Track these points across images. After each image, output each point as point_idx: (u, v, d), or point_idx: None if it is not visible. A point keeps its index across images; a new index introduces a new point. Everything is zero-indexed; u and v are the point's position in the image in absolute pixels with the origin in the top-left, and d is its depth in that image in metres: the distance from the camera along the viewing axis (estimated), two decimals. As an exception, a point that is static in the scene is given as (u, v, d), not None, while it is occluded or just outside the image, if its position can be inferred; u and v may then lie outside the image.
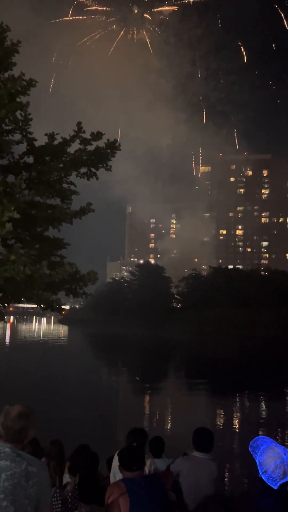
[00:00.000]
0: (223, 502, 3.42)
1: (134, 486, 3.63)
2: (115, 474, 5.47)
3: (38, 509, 2.82)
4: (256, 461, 3.13)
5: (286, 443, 15.47)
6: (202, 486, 4.86)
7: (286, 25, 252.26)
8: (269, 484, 2.98)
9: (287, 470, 3.01)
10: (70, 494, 4.03)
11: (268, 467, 3.03)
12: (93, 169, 8.66)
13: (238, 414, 21.63)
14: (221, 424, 18.91)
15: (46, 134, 8.47)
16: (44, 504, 2.87)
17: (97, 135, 8.43)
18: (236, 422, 19.81)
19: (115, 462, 5.30)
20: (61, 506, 3.90)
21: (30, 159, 8.52)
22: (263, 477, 3.01)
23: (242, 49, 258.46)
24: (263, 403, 24.39)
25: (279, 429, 18.09)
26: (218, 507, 3.18)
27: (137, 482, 3.67)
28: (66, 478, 5.42)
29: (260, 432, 17.30)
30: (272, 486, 2.98)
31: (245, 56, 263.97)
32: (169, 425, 18.72)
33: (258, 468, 3.06)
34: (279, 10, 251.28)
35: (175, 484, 5.25)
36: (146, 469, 5.21)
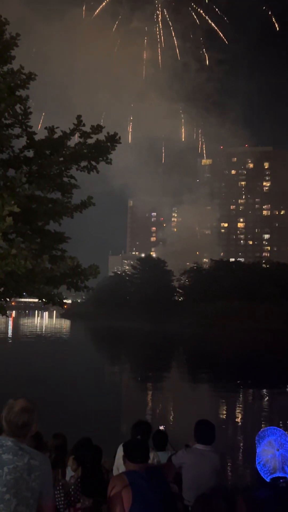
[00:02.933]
0: (225, 495, 3.43)
1: (137, 479, 3.64)
2: (118, 466, 5.49)
3: (41, 502, 2.83)
4: (256, 451, 3.15)
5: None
6: (205, 478, 4.87)
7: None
8: (262, 475, 3.01)
9: (277, 465, 3.03)
10: (72, 487, 4.04)
11: (261, 459, 3.06)
12: (93, 163, 8.63)
13: (241, 407, 21.68)
14: (224, 417, 18.97)
15: (46, 128, 8.44)
16: (46, 497, 2.88)
17: (97, 128, 8.39)
18: (238, 414, 19.87)
19: (119, 454, 5.32)
20: (64, 499, 3.91)
21: (30, 153, 8.49)
22: (258, 468, 3.04)
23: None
24: (266, 396, 24.45)
25: (281, 422, 18.13)
26: (219, 500, 3.19)
27: (139, 475, 3.67)
28: (69, 471, 5.44)
29: (263, 425, 17.35)
30: (265, 478, 3.01)
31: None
32: (171, 417, 18.77)
33: (256, 458, 3.09)
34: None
35: (178, 477, 5.27)
36: (150, 461, 5.23)
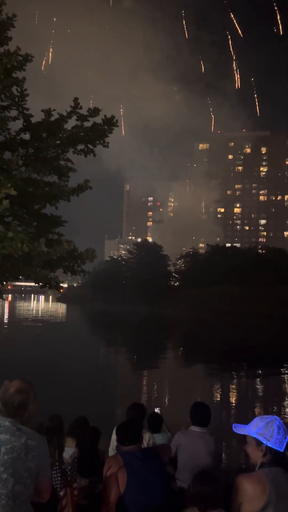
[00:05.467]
0: (222, 474, 3.49)
1: (132, 459, 3.68)
2: (114, 448, 5.56)
3: (38, 481, 2.88)
4: (252, 434, 3.14)
5: (282, 417, 15.69)
6: (200, 459, 4.95)
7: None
8: (276, 448, 3.01)
9: (286, 429, 3.07)
10: (69, 467, 4.10)
11: (270, 432, 3.06)
12: (90, 146, 8.57)
13: (236, 390, 21.86)
14: (219, 399, 19.14)
15: (42, 110, 8.37)
16: (43, 477, 2.93)
17: (94, 111, 8.32)
18: (234, 397, 20.04)
19: (114, 436, 5.38)
20: (61, 478, 3.97)
21: (26, 136, 8.42)
22: (270, 445, 3.03)
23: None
24: (260, 379, 24.65)
25: (275, 406, 18.32)
26: (219, 476, 3.24)
27: (134, 455, 3.72)
28: (67, 451, 5.49)
29: (257, 409, 17.54)
30: (280, 449, 3.01)
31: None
32: (167, 400, 18.93)
33: (260, 439, 3.07)
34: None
35: (173, 458, 5.34)
36: (145, 443, 5.29)
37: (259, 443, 3.08)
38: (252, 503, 2.90)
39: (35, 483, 2.86)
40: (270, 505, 2.85)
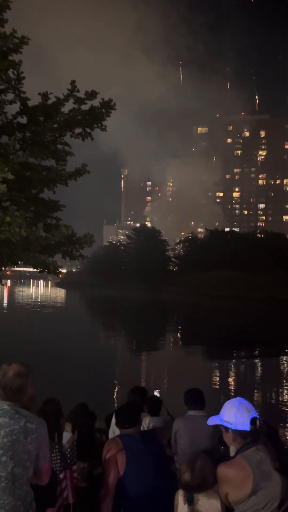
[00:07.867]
0: (214, 456, 3.52)
1: (131, 442, 3.71)
2: (114, 431, 5.60)
3: (38, 464, 2.90)
4: (218, 422, 3.17)
5: (280, 405, 15.84)
6: (199, 442, 5.01)
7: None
8: (242, 429, 3.01)
9: (249, 407, 3.07)
10: (68, 450, 4.13)
11: (231, 415, 3.07)
12: (87, 129, 8.50)
13: (235, 373, 22.02)
14: (218, 383, 19.27)
15: (39, 94, 8.28)
16: (43, 459, 2.96)
17: (92, 94, 8.23)
18: (232, 380, 20.17)
19: (114, 419, 5.42)
20: (60, 461, 4.00)
21: (23, 120, 8.34)
22: (234, 427, 3.03)
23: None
24: (259, 362, 24.80)
25: (273, 389, 18.46)
26: (206, 460, 3.26)
27: (134, 438, 3.75)
28: (66, 435, 5.53)
29: (256, 392, 17.66)
30: (245, 429, 3.01)
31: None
32: (166, 383, 19.05)
33: (226, 425, 3.09)
34: None
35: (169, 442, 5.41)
36: (145, 426, 5.34)
37: (226, 429, 3.10)
38: (239, 490, 2.89)
39: (34, 466, 2.89)
40: (258, 489, 2.84)
